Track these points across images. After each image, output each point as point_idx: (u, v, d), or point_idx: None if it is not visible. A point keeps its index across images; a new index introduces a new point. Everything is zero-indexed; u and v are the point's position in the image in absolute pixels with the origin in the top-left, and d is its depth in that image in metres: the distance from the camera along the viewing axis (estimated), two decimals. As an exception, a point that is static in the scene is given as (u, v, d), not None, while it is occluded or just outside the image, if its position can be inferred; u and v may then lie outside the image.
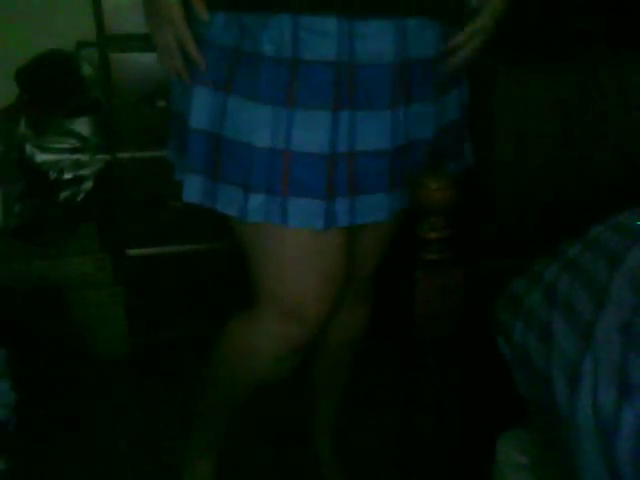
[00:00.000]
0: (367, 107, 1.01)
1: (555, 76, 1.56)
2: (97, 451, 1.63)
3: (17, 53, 1.92)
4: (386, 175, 1.06)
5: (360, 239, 1.22)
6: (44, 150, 1.85)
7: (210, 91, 1.02)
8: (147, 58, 1.70)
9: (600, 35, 1.65)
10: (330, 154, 1.00)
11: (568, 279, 0.99)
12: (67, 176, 1.87)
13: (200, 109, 1.03)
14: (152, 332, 1.95)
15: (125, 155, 1.77)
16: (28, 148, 1.84)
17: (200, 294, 1.92)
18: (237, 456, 1.52)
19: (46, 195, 1.87)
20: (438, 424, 1.21)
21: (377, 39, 0.98)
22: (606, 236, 1.03)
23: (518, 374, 1.04)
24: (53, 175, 1.86)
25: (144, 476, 1.57)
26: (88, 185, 1.88)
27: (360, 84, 1.00)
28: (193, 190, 1.06)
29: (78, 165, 1.87)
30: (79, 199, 1.89)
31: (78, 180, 1.88)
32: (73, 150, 1.86)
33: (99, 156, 1.88)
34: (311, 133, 0.99)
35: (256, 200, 1.01)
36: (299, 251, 1.07)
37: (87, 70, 1.95)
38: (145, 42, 1.69)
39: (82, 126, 1.87)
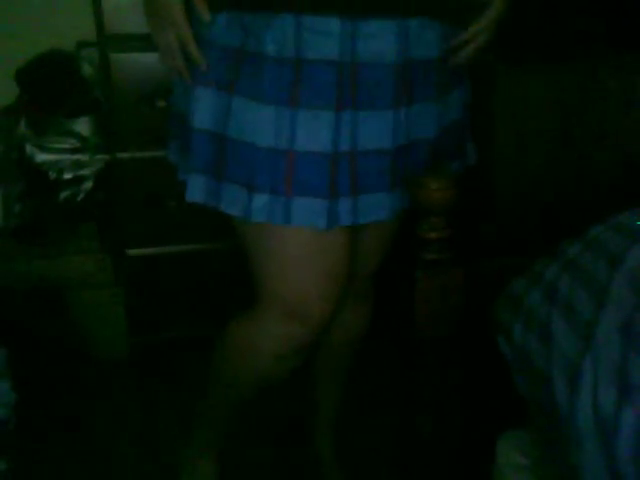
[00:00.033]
0: (369, 107, 1.01)
1: (555, 76, 1.56)
2: (97, 451, 1.63)
3: (17, 53, 1.91)
4: (387, 174, 1.06)
5: (362, 238, 1.22)
6: (44, 150, 1.85)
7: (213, 91, 1.02)
8: (147, 58, 1.70)
9: (600, 35, 1.65)
10: (332, 153, 1.00)
11: (568, 279, 0.99)
12: (67, 176, 1.87)
13: (203, 109, 1.03)
14: (152, 332, 1.95)
15: (125, 155, 1.77)
16: (28, 148, 1.84)
17: (200, 294, 1.92)
18: (237, 456, 1.52)
19: (46, 195, 1.87)
20: (438, 424, 1.21)
21: (379, 39, 0.98)
22: (606, 236, 1.03)
23: (518, 374, 1.04)
24: (53, 175, 1.86)
25: (144, 476, 1.57)
26: (88, 185, 1.88)
27: (362, 84, 1.00)
28: (196, 190, 1.06)
29: (78, 165, 1.87)
30: (79, 199, 1.89)
31: (78, 180, 1.88)
32: (73, 150, 1.86)
33: (99, 156, 1.88)
34: (314, 133, 0.99)
35: (260, 200, 1.01)
36: (302, 250, 1.07)
37: (87, 70, 1.95)
38: (145, 42, 1.69)
39: (82, 126, 1.87)
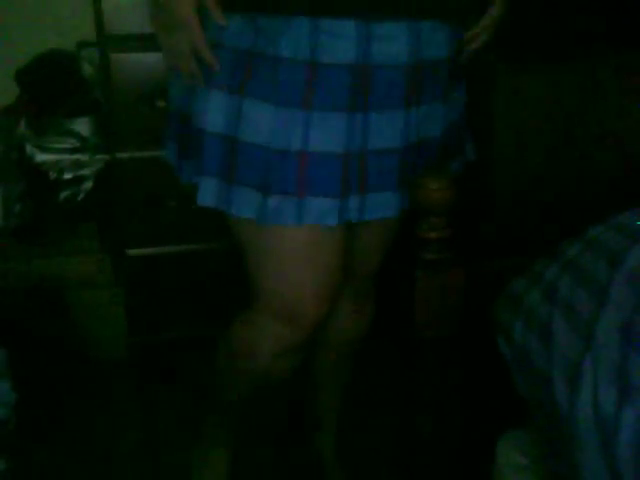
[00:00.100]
0: (381, 107, 1.01)
1: (555, 76, 1.56)
2: (97, 451, 1.63)
3: (17, 53, 1.92)
4: (395, 173, 1.06)
5: (360, 235, 1.22)
6: (44, 150, 1.85)
7: (225, 94, 1.01)
8: (147, 58, 1.70)
9: (600, 35, 1.65)
10: (345, 153, 1.01)
11: (568, 279, 0.99)
12: (67, 176, 1.86)
13: (215, 112, 1.02)
14: (152, 332, 1.95)
15: (125, 155, 1.77)
16: (28, 148, 1.84)
17: (200, 294, 1.92)
18: (237, 456, 1.52)
19: (46, 195, 1.87)
20: (438, 424, 1.21)
21: (393, 41, 0.99)
22: (606, 236, 1.03)
23: (518, 374, 1.04)
24: (53, 175, 1.86)
25: (144, 476, 1.57)
26: (88, 185, 1.88)
27: (375, 85, 1.00)
28: (208, 194, 1.05)
29: (78, 165, 1.87)
30: (79, 199, 1.89)
31: (78, 180, 1.88)
32: (73, 150, 1.86)
33: (99, 156, 1.88)
34: (327, 134, 0.99)
35: (274, 202, 1.01)
36: (297, 249, 1.07)
37: (87, 70, 1.95)
38: (145, 42, 1.70)
39: (82, 126, 1.87)
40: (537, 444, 1.05)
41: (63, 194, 1.87)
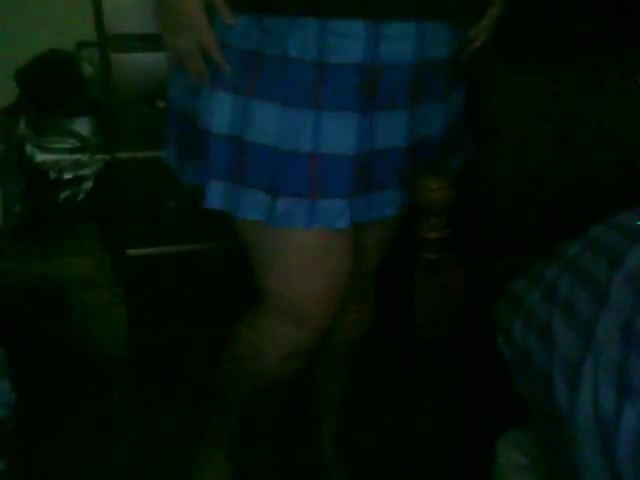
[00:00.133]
0: (387, 107, 1.01)
1: (555, 76, 1.56)
2: (97, 451, 1.63)
3: (17, 53, 1.92)
4: (398, 172, 1.06)
5: (363, 236, 1.22)
6: (44, 150, 1.85)
7: (231, 94, 1.00)
8: (147, 58, 1.70)
9: (600, 35, 1.65)
10: (355, 154, 1.00)
11: (568, 279, 0.99)
12: (67, 176, 1.87)
13: (221, 113, 1.01)
14: (152, 332, 1.95)
15: (125, 155, 1.77)
16: (28, 148, 1.85)
17: (200, 294, 1.92)
18: (237, 456, 1.52)
19: (46, 195, 1.87)
20: (438, 424, 1.21)
21: (400, 41, 0.98)
22: (606, 236, 1.03)
23: (518, 374, 1.04)
24: (53, 175, 1.86)
25: (144, 476, 1.57)
26: (88, 185, 1.88)
27: (382, 85, 1.00)
28: (216, 196, 1.03)
29: (78, 165, 1.87)
30: (79, 199, 1.89)
31: (78, 180, 1.88)
32: (73, 150, 1.86)
33: (99, 156, 1.88)
34: (338, 135, 0.99)
35: (284, 204, 1.00)
36: (306, 251, 1.06)
37: (87, 70, 1.95)
38: (145, 42, 1.70)
39: (82, 126, 1.88)
40: (537, 444, 1.05)
41: (63, 194, 1.87)
